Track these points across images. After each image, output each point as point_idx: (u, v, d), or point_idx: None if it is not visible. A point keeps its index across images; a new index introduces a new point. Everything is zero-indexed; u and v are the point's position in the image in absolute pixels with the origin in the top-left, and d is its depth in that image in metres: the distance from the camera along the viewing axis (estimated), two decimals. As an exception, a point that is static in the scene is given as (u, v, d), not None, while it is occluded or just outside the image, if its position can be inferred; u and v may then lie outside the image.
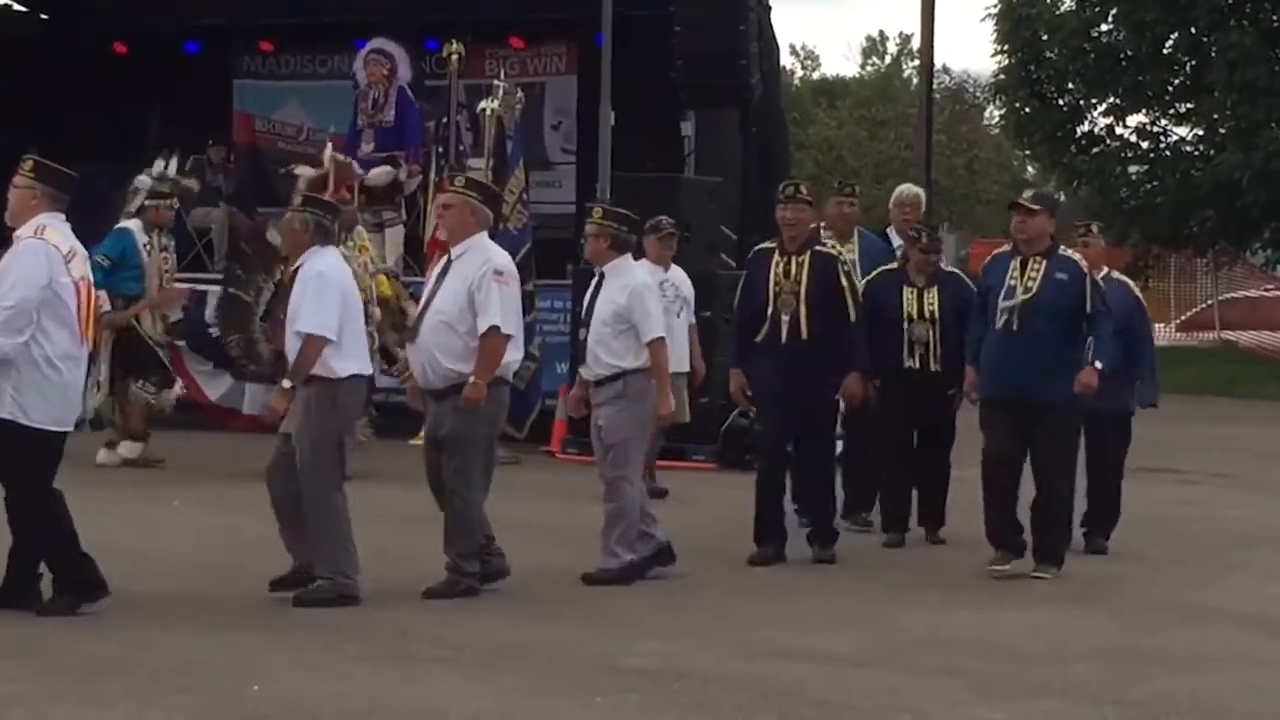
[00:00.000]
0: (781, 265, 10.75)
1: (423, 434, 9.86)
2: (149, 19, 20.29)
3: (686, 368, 13.51)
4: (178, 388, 14.98)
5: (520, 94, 16.58)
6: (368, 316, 14.08)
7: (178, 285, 15.04)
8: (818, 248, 10.90)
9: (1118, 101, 32.79)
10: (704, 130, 17.57)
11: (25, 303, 8.54)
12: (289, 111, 20.99)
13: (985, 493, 10.42)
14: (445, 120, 17.24)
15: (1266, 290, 37.11)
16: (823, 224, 12.77)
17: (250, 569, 9.32)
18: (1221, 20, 29.97)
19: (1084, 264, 10.46)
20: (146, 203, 14.63)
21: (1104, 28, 32.09)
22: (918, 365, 11.47)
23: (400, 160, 17.12)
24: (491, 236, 12.66)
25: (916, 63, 44.35)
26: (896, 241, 12.81)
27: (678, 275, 13.58)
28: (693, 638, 8.63)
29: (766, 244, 11.09)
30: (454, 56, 16.81)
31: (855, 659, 8.21)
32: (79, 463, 14.05)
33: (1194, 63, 31.39)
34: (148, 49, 20.57)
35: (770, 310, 10.68)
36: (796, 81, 58.66)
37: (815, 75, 64.07)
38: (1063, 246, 10.52)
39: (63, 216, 8.93)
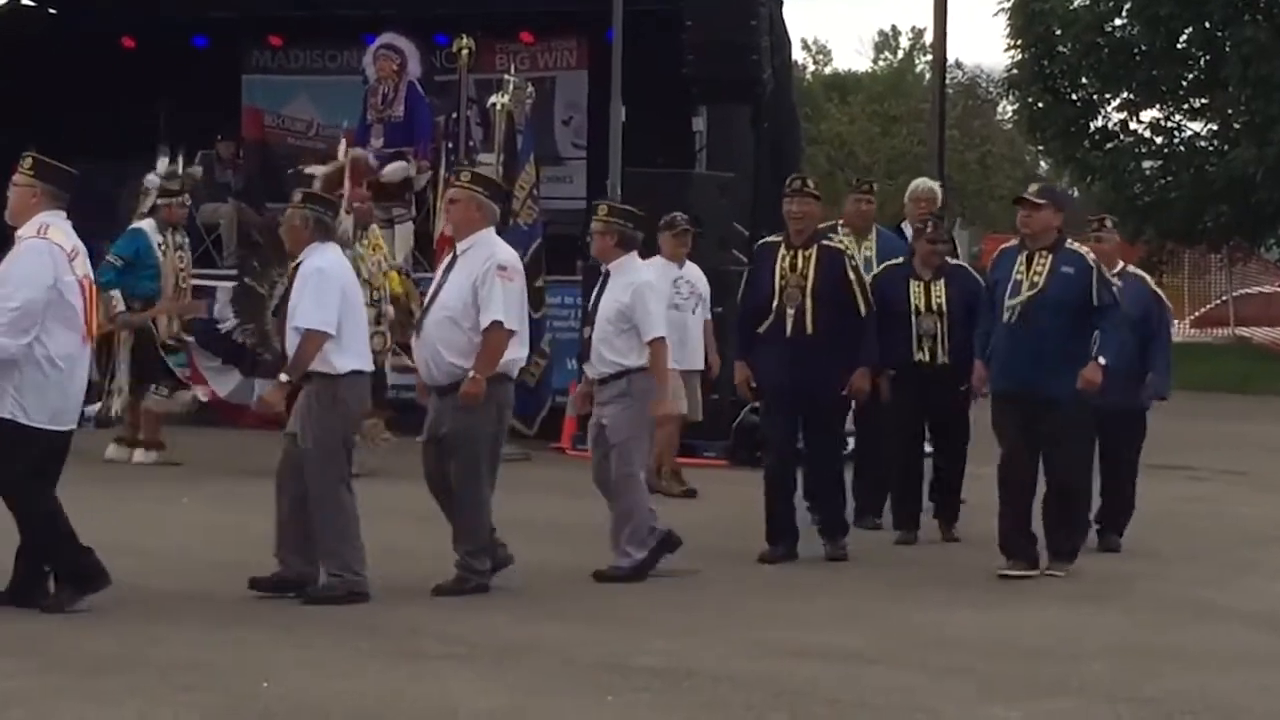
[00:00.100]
0: (788, 259, 10.71)
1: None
2: (157, 13, 20.26)
3: (701, 365, 13.46)
4: (195, 390, 14.97)
5: (531, 89, 16.53)
6: (380, 315, 14.12)
7: (195, 299, 15.04)
8: (824, 242, 10.85)
9: (1131, 96, 32.72)
10: (715, 125, 17.52)
11: (31, 304, 8.53)
12: (298, 106, 20.95)
13: (1000, 498, 10.37)
14: (455, 115, 17.16)
15: (1280, 286, 37.07)
16: (840, 221, 12.74)
17: (258, 566, 9.29)
18: (1236, 15, 29.91)
19: (1091, 257, 10.40)
20: (159, 202, 14.66)
21: (1118, 22, 32.04)
22: (927, 358, 11.45)
23: (410, 156, 17.08)
24: (501, 232, 12.61)
25: (929, 57, 44.27)
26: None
27: (693, 272, 13.52)
28: (703, 636, 8.61)
29: (772, 238, 11.05)
30: (464, 51, 16.75)
31: (867, 657, 8.19)
32: (87, 459, 14.12)
33: (1208, 57, 31.33)
34: (156, 43, 20.54)
35: (776, 304, 10.63)
36: (808, 76, 58.58)
37: (827, 70, 64.01)
38: (1070, 240, 10.45)
39: (64, 214, 8.91)
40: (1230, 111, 31.36)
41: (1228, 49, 29.92)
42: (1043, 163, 46.36)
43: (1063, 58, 32.36)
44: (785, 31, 18.50)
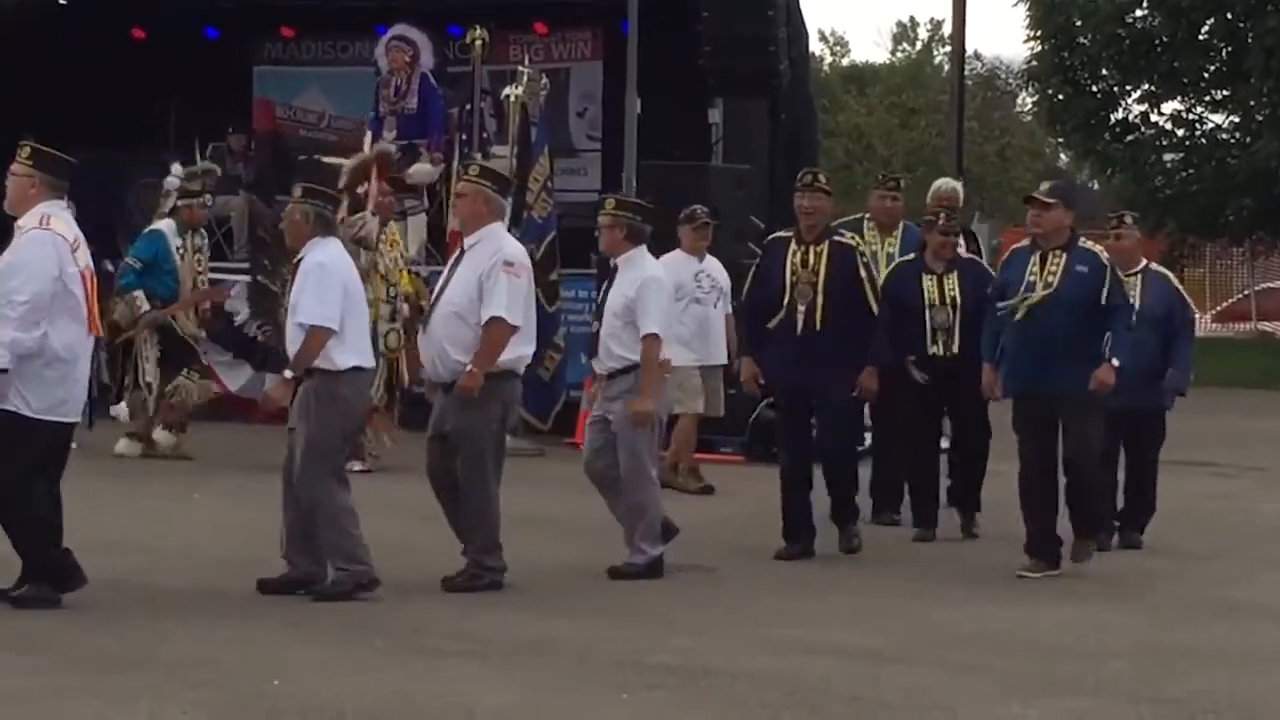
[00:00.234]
0: (799, 254, 10.60)
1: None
2: (168, 4, 20.21)
3: (724, 359, 13.34)
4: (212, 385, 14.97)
5: (545, 80, 16.45)
6: (395, 311, 14.04)
7: (215, 285, 15.05)
8: (836, 238, 10.74)
9: (1152, 88, 32.60)
10: (732, 118, 17.45)
11: (40, 296, 8.49)
12: (310, 98, 20.89)
13: (1023, 508, 10.27)
14: (469, 107, 17.09)
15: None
16: (867, 215, 12.65)
17: (269, 563, 9.25)
18: (1258, 6, 29.78)
19: (1106, 256, 10.30)
20: (179, 203, 14.68)
21: (1138, 13, 31.92)
22: (941, 351, 11.39)
23: (424, 149, 17.00)
24: (515, 225, 12.51)
25: (948, 49, 44.16)
26: None
27: (713, 266, 13.42)
28: (719, 633, 8.56)
29: (782, 233, 10.95)
30: (478, 42, 16.68)
31: (884, 655, 8.13)
32: (96, 454, 14.07)
33: (1230, 49, 31.19)
34: (166, 35, 20.49)
35: (786, 300, 10.52)
36: (826, 68, 58.45)
37: (845, 62, 63.87)
38: (1083, 238, 10.33)
39: (64, 203, 8.85)
40: (1252, 103, 31.24)
41: (1250, 40, 29.79)
42: (1063, 155, 46.30)
43: (1083, 49, 32.25)
44: (802, 23, 18.42)
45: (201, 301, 14.69)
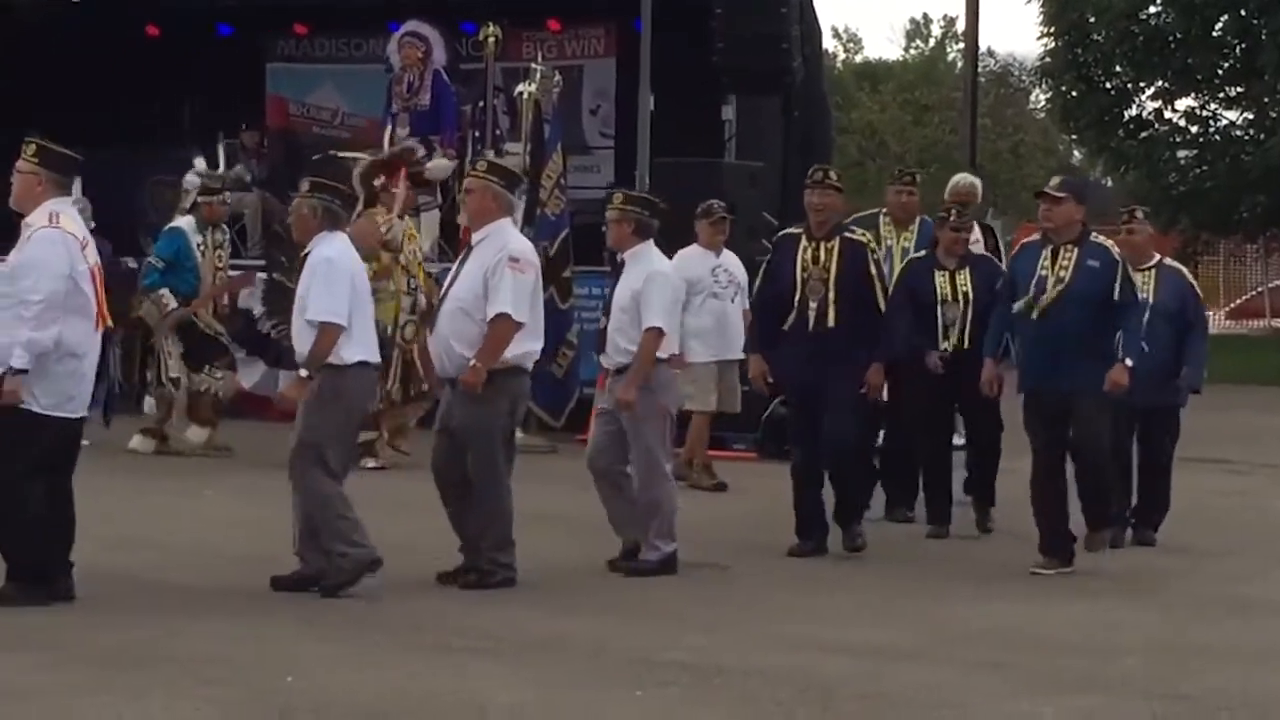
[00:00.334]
0: (809, 251, 10.56)
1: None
2: (181, 1, 20.22)
3: (740, 355, 13.31)
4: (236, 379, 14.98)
5: (558, 77, 16.44)
6: (415, 305, 14.05)
7: (233, 275, 15.09)
8: (846, 234, 10.69)
9: (1166, 85, 32.51)
10: (745, 115, 17.42)
11: (54, 295, 8.50)
12: (323, 95, 20.91)
13: (1034, 501, 10.25)
14: (481, 104, 17.10)
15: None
16: (883, 210, 12.63)
17: (280, 560, 9.23)
18: (1272, 3, 29.68)
19: (1117, 251, 10.27)
20: (199, 200, 14.78)
21: (1152, 9, 31.83)
22: (952, 347, 11.37)
23: (437, 145, 16.99)
24: (529, 222, 12.48)
25: (961, 46, 44.01)
26: None
27: (730, 260, 13.39)
28: (732, 630, 8.55)
29: (792, 229, 10.92)
30: (491, 39, 16.68)
31: (897, 652, 8.11)
32: (110, 450, 14.08)
33: (1244, 45, 31.10)
34: (180, 32, 20.51)
35: (798, 297, 10.49)
36: (839, 65, 58.35)
37: (858, 58, 63.75)
38: (1094, 233, 10.30)
39: (70, 199, 8.87)
40: (1266, 100, 31.14)
41: (1264, 37, 29.69)
42: (1076, 152, 46.17)
43: (1096, 46, 32.17)
44: (816, 20, 18.39)
45: (221, 294, 14.72)
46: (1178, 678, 7.75)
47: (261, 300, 15.09)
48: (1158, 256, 11.40)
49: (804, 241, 10.62)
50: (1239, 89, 32.39)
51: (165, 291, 14.33)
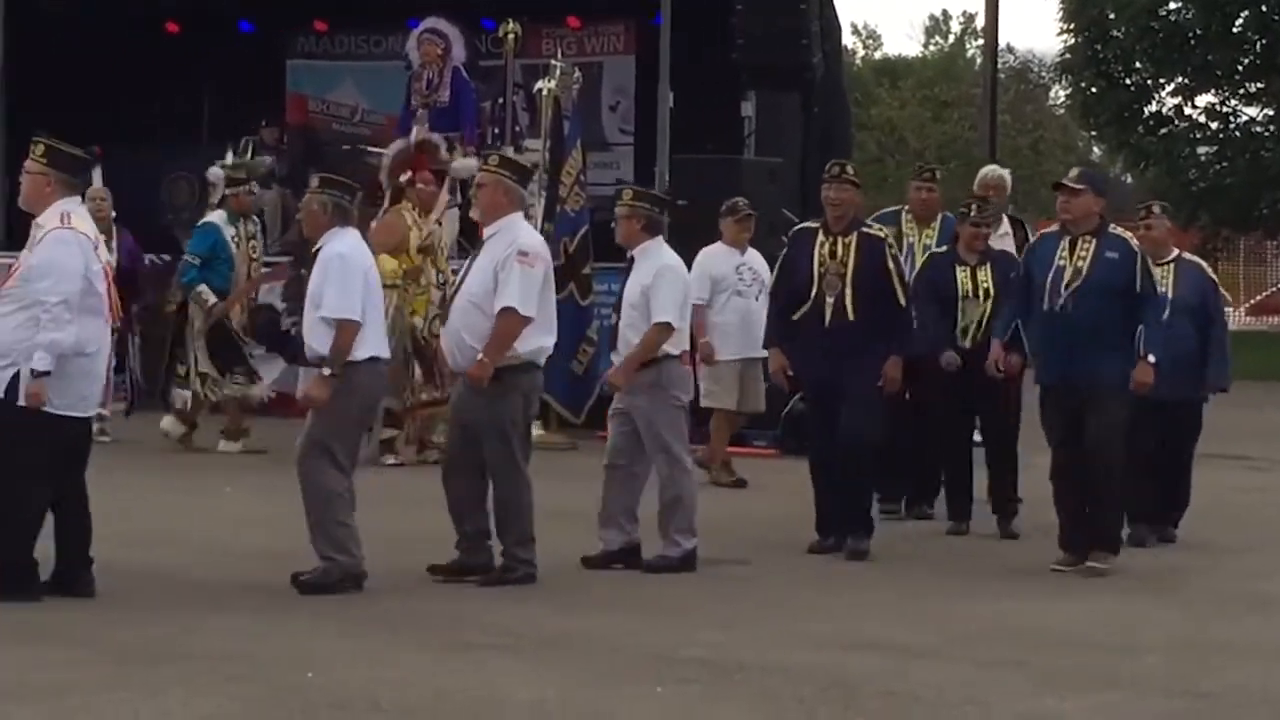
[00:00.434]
0: (826, 246, 10.53)
1: None
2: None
3: (764, 353, 13.29)
4: (266, 384, 14.97)
5: (578, 74, 16.42)
6: (445, 298, 14.04)
7: (263, 270, 15.14)
8: (864, 229, 10.66)
9: (1186, 81, 32.48)
10: (764, 111, 17.41)
11: (71, 296, 8.51)
12: (343, 92, 20.95)
13: (1055, 498, 10.22)
14: (501, 101, 17.11)
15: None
16: (905, 207, 12.60)
17: (300, 557, 9.22)
18: (1293, -2, 29.65)
19: (1135, 243, 10.23)
20: (226, 192, 14.83)
21: (1172, 6, 31.81)
22: (972, 344, 11.31)
23: (455, 142, 17.00)
24: (549, 219, 12.44)
25: (980, 42, 44.03)
26: None
27: (754, 258, 13.36)
28: (752, 627, 8.53)
29: (809, 224, 10.89)
30: (510, 36, 16.68)
31: (918, 650, 8.09)
32: (131, 446, 14.12)
33: (1264, 41, 31.05)
34: (200, 29, 20.55)
35: (814, 291, 10.46)
36: (858, 61, 58.36)
37: (877, 55, 63.79)
38: (1113, 225, 10.26)
39: (79, 199, 8.87)
40: (1287, 96, 31.11)
41: (1284, 33, 29.65)
42: (1096, 148, 46.11)
43: (1116, 42, 32.14)
44: (835, 16, 18.38)
45: (254, 289, 14.75)
46: (1198, 675, 7.72)
47: (283, 296, 15.12)
48: (1176, 251, 11.36)
49: (821, 237, 10.58)
50: (1259, 85, 32.33)
51: (203, 287, 14.36)
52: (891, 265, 10.56)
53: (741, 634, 8.33)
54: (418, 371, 13.95)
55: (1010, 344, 10.57)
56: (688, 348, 10.25)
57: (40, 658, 7.56)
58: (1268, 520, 12.57)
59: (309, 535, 9.16)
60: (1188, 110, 33.09)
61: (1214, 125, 32.93)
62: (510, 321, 9.21)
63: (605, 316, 16.09)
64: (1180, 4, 31.66)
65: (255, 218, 15.16)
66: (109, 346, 8.85)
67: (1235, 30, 31.30)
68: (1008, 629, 8.62)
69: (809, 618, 8.81)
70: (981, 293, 11.38)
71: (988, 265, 11.47)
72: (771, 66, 16.79)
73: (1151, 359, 9.99)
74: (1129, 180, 39.75)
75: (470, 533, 9.44)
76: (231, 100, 19.75)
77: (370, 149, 16.47)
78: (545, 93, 15.90)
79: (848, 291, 10.43)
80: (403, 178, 14.39)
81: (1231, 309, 33.16)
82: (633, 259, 10.13)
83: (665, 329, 9.86)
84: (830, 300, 10.45)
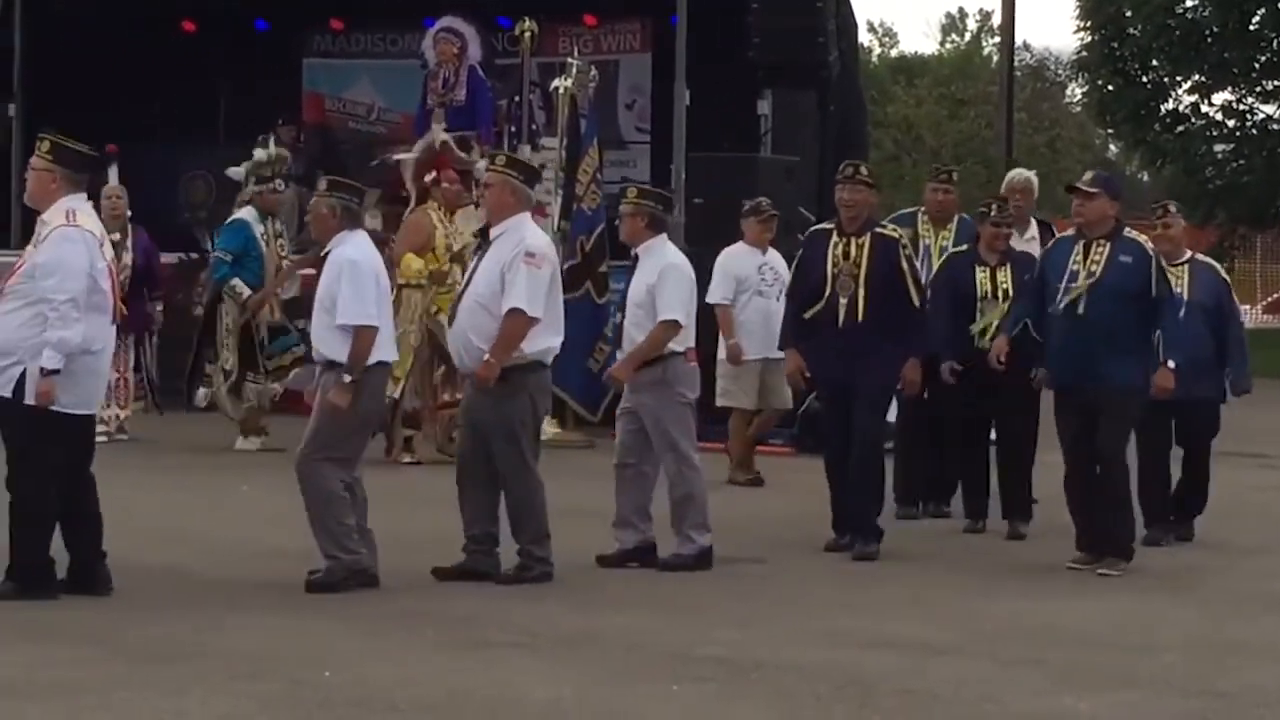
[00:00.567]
0: (840, 246, 10.51)
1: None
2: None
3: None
4: (278, 387, 14.96)
5: (594, 72, 16.43)
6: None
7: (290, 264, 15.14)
8: (878, 230, 10.64)
9: (1203, 79, 32.39)
10: (781, 109, 17.38)
11: (79, 294, 8.52)
12: (359, 91, 20.96)
13: (1069, 504, 10.20)
14: (517, 99, 17.10)
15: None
16: (921, 208, 12.57)
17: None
18: (1310, -4, 29.58)
19: (1150, 246, 10.20)
20: (254, 189, 14.76)
21: (1189, 3, 31.74)
22: (988, 344, 11.25)
23: (472, 141, 17.00)
24: (565, 217, 12.42)
25: (997, 40, 43.97)
26: None
27: (776, 258, 13.33)
28: (769, 625, 8.53)
29: (824, 224, 10.88)
30: (526, 34, 16.68)
31: (935, 648, 8.08)
32: (148, 445, 14.13)
33: (1281, 39, 30.98)
34: (216, 27, 20.58)
35: (828, 291, 10.44)
36: (875, 59, 58.27)
37: (894, 53, 63.67)
38: (1128, 228, 10.24)
39: (84, 196, 8.87)
40: (1304, 93, 31.04)
41: (1302, 30, 29.59)
42: (1112, 146, 46.03)
43: (1133, 40, 32.06)
44: (852, 14, 18.37)
45: (280, 285, 14.73)
46: (1215, 674, 7.71)
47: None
48: (1190, 252, 11.34)
49: (835, 237, 10.56)
50: (1276, 83, 32.25)
51: (237, 281, 14.34)
52: (905, 266, 10.54)
53: (758, 632, 8.33)
54: (440, 371, 13.94)
55: (1029, 346, 10.51)
56: (693, 344, 10.22)
57: (58, 655, 7.57)
58: (1285, 519, 12.56)
59: (313, 534, 9.18)
60: (1204, 108, 33.01)
61: (1231, 123, 32.85)
62: (517, 322, 9.21)
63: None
64: (1197, 2, 31.59)
65: (281, 217, 15.15)
66: (113, 345, 8.86)
67: (1252, 28, 31.22)
68: (1025, 627, 8.61)
69: (825, 616, 8.81)
70: (1001, 294, 11.31)
71: (1008, 266, 11.41)
72: (788, 64, 16.79)
73: (1171, 364, 9.97)
74: (1145, 177, 39.71)
75: (478, 536, 9.43)
76: (247, 99, 19.77)
77: (394, 156, 16.46)
78: (561, 91, 15.91)
79: (861, 292, 10.41)
80: (427, 178, 14.37)
81: (1248, 307, 33.13)
82: (637, 257, 10.12)
83: (671, 327, 9.85)
84: (844, 301, 10.43)
